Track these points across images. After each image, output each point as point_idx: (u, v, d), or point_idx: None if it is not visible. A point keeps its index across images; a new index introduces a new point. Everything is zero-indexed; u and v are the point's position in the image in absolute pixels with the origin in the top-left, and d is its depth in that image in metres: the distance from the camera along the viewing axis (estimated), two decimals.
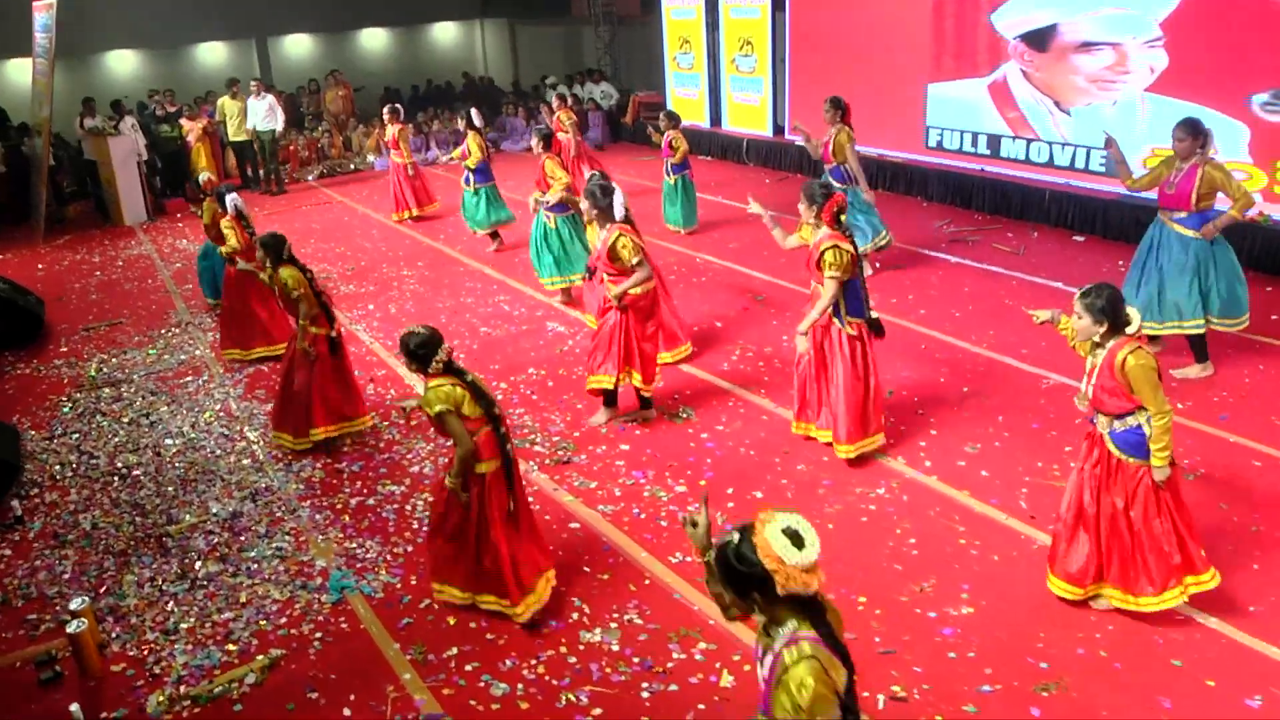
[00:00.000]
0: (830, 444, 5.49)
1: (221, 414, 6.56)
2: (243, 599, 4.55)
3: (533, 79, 19.53)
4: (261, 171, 13.17)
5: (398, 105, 11.33)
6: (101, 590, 4.69)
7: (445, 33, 22.46)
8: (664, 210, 10.41)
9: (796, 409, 5.67)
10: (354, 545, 4.94)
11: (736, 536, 2.39)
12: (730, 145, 14.37)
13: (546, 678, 3.96)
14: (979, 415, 5.93)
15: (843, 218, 5.25)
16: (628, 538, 4.89)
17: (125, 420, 6.56)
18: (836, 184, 8.16)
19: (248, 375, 7.19)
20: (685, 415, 6.14)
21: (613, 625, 4.25)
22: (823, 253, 5.12)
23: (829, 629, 2.40)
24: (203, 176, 8.25)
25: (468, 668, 4.03)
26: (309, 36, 20.08)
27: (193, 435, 6.26)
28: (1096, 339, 3.91)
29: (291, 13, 18.47)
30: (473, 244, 10.36)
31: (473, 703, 3.84)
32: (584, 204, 5.87)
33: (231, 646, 4.23)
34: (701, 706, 3.77)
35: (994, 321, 7.36)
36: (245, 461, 5.89)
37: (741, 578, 2.37)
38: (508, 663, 4.05)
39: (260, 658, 4.14)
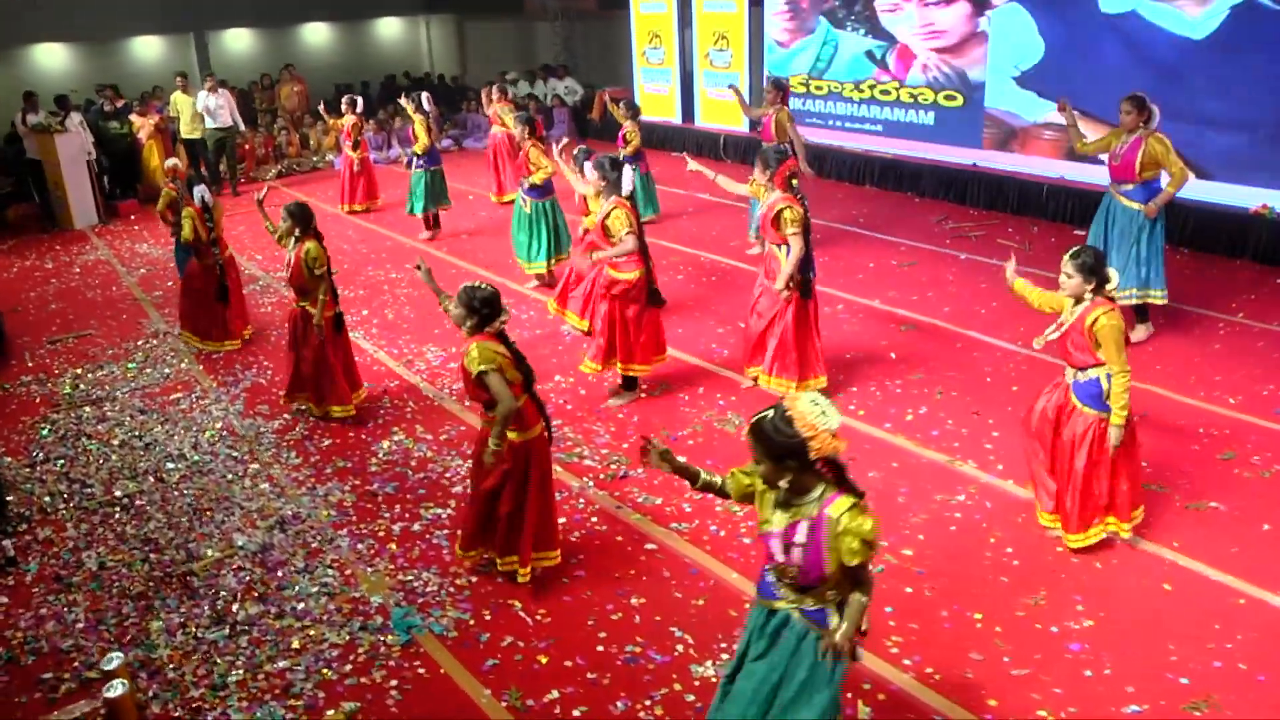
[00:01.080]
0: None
1: (224, 433, 5.96)
2: (295, 644, 4.03)
3: (482, 76, 18.91)
4: (224, 170, 12.34)
5: (355, 97, 10.78)
6: (126, 641, 4.12)
7: (390, 28, 21.69)
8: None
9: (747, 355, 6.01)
10: (409, 578, 4.45)
11: (772, 412, 2.67)
12: (706, 141, 14.07)
13: (666, 719, 3.58)
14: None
15: (794, 182, 5.67)
16: (713, 558, 4.52)
17: (116, 443, 5.90)
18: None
19: (245, 390, 6.58)
20: (737, 422, 5.80)
21: (724, 657, 3.88)
22: (778, 212, 5.52)
23: (854, 486, 2.74)
24: (170, 163, 7.70)
25: (575, 713, 3.61)
26: (249, 31, 19.09)
27: (196, 458, 5.65)
28: (1086, 297, 4.19)
29: (230, 6, 17.53)
30: (460, 246, 9.85)
31: None
32: (592, 174, 5.85)
33: (295, 701, 3.72)
34: None
35: (1023, 319, 7.20)
36: (263, 486, 5.32)
37: (780, 447, 2.64)
38: (619, 705, 3.64)
39: (332, 713, 3.65)
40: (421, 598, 4.30)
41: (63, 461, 5.71)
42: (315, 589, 4.39)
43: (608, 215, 5.69)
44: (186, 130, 12.10)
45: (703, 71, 14.23)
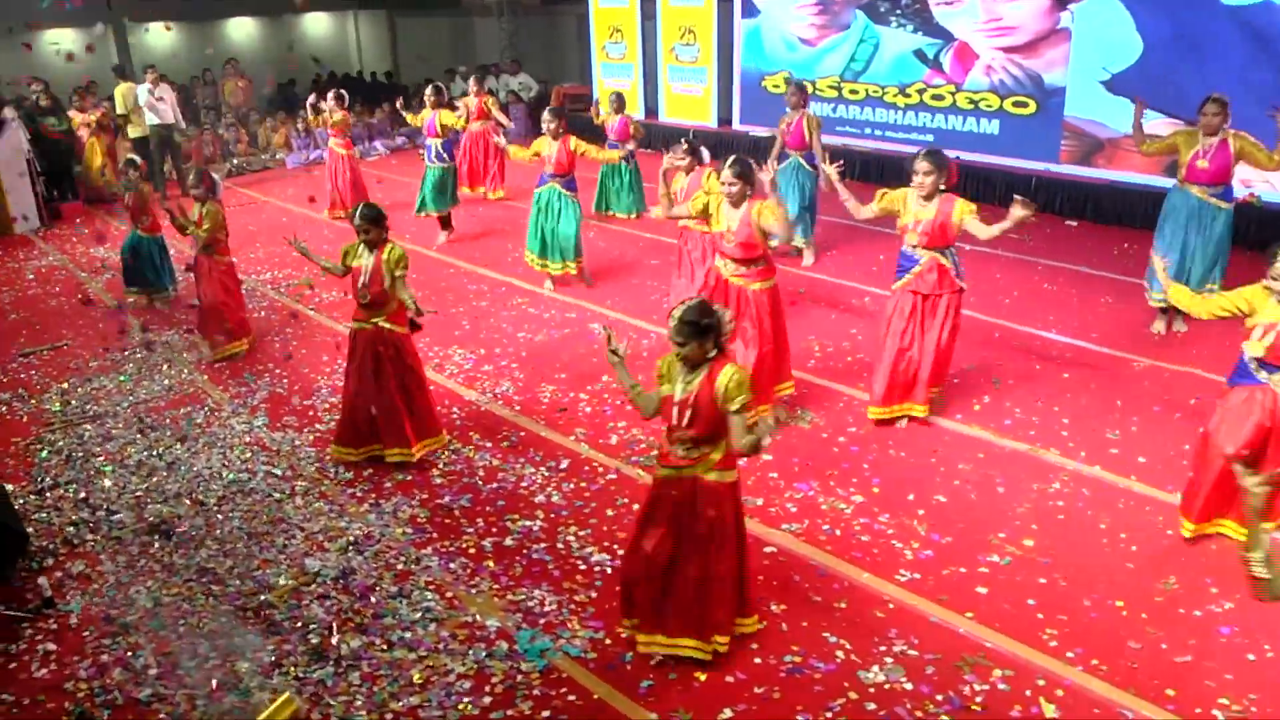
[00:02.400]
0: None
1: (256, 449, 5.42)
2: (416, 678, 3.62)
3: (415, 74, 18.24)
4: (168, 169, 11.47)
5: (342, 91, 10.11)
6: (213, 687, 3.63)
7: (317, 24, 20.79)
8: (606, 199, 9.86)
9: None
10: (519, 597, 4.08)
11: (694, 301, 3.40)
12: (671, 137, 13.83)
13: None
14: (1097, 402, 5.72)
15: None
16: (837, 559, 4.29)
17: (131, 463, 5.30)
18: (808, 166, 8.01)
19: (263, 401, 6.03)
20: (809, 418, 5.60)
21: (888, 660, 3.66)
22: (954, 210, 5.04)
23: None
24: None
25: None
26: (172, 24, 17.97)
27: (232, 477, 5.11)
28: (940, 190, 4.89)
29: None
30: (447, 245, 9.39)
31: None
32: (728, 174, 5.02)
33: None
34: None
35: (1051, 307, 7.25)
36: (319, 505, 4.84)
37: (706, 329, 3.30)
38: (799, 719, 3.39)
39: None
40: (542, 618, 3.93)
41: (75, 486, 5.09)
42: (417, 615, 3.96)
43: (760, 213, 5.00)
44: (133, 129, 11.21)
45: (668, 66, 14.04)
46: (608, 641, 3.80)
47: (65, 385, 6.34)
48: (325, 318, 7.48)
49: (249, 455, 5.35)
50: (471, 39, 19.19)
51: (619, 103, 9.80)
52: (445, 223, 9.46)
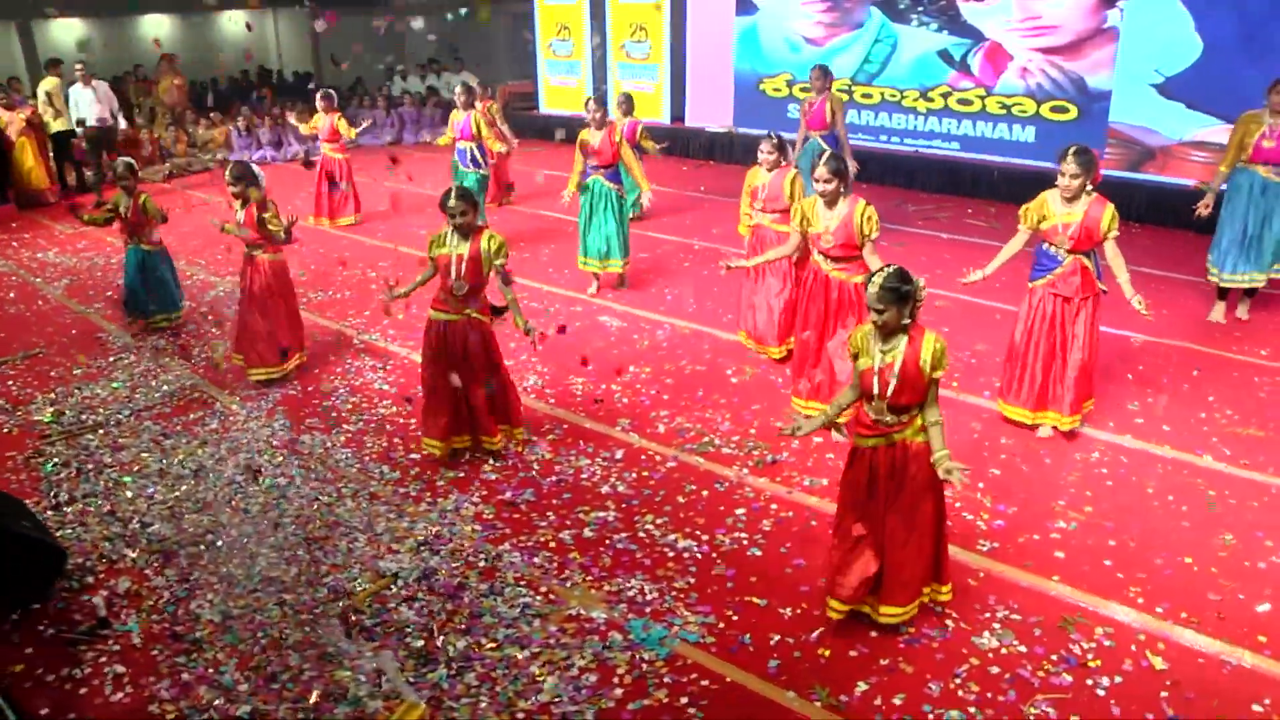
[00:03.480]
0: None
1: (284, 452, 5.14)
2: (536, 673, 3.50)
3: (339, 73, 17.69)
4: (91, 174, 10.77)
5: (330, 90, 9.67)
6: (313, 700, 3.41)
7: (236, 23, 19.96)
8: None
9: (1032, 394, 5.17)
10: (617, 588, 3.98)
11: (891, 267, 3.41)
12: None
13: (988, 694, 3.37)
14: (1134, 386, 5.83)
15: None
16: None
17: (150, 472, 4.95)
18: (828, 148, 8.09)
19: (276, 403, 5.73)
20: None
21: (995, 626, 3.71)
22: (1105, 212, 4.81)
23: None
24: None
25: (896, 700, 3.34)
26: (80, 21, 16.97)
27: (270, 482, 4.84)
28: (1087, 192, 4.72)
29: None
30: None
31: None
32: (823, 171, 4.90)
33: None
34: (1165, 694, 3.37)
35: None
36: (375, 506, 4.62)
37: (905, 295, 3.34)
38: (933, 688, 3.39)
39: None
40: (647, 607, 3.85)
41: (95, 499, 4.72)
42: (516, 611, 3.83)
43: (863, 214, 4.91)
44: (54, 123, 10.50)
45: (617, 63, 13.99)
46: (721, 625, 3.74)
47: (53, 395, 5.89)
48: (317, 316, 7.15)
49: (280, 459, 5.07)
50: (399, 37, 18.71)
51: (628, 104, 9.09)
52: None
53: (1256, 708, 3.32)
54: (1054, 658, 3.55)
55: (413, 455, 5.12)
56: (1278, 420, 5.34)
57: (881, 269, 3.43)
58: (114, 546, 4.35)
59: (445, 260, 4.70)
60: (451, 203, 4.60)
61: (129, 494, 4.78)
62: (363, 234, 9.63)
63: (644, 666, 3.52)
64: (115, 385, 6.01)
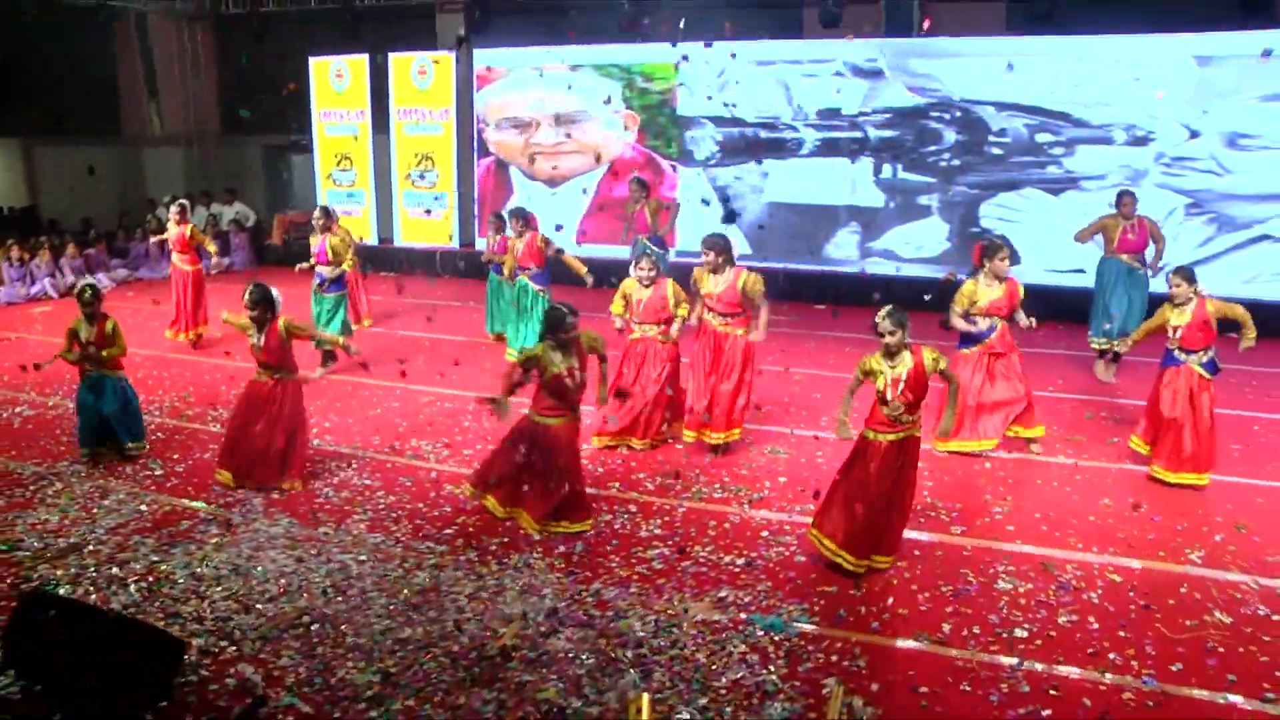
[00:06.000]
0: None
1: (307, 544, 5.15)
2: (705, 660, 4.08)
3: (62, 208, 16.38)
4: None
5: (184, 201, 9.26)
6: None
7: None
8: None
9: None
10: (715, 597, 4.66)
11: (890, 306, 4.76)
12: (417, 259, 14.19)
13: (1028, 615, 4.50)
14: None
15: None
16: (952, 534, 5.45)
17: (184, 577, 4.74)
18: (656, 250, 9.43)
19: (264, 504, 5.63)
20: (781, 453, 6.75)
21: (1005, 576, 4.90)
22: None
23: None
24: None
25: (974, 629, 4.38)
26: None
27: (326, 569, 4.86)
28: (1192, 296, 5.97)
29: None
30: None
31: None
32: (707, 256, 6.38)
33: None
34: (1131, 593, 4.70)
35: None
36: (448, 573, 4.85)
37: (904, 322, 4.71)
38: (992, 618, 4.46)
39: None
40: (751, 606, 4.58)
41: (138, 608, 4.45)
42: (650, 627, 4.36)
43: (744, 281, 6.31)
44: None
45: (404, 192, 14.56)
46: (817, 608, 4.57)
47: None
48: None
49: (314, 550, 5.09)
50: (140, 170, 17.66)
51: (324, 219, 8.71)
52: (330, 356, 8.54)
53: (1182, 589, 4.76)
54: (1053, 588, 4.78)
55: (446, 532, 5.38)
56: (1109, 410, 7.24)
57: (884, 309, 4.75)
58: (204, 642, 4.21)
59: (558, 375, 5.27)
60: (567, 320, 5.23)
61: (171, 598, 4.57)
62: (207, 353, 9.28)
63: (785, 645, 4.24)
64: (63, 508, 5.53)
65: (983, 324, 6.53)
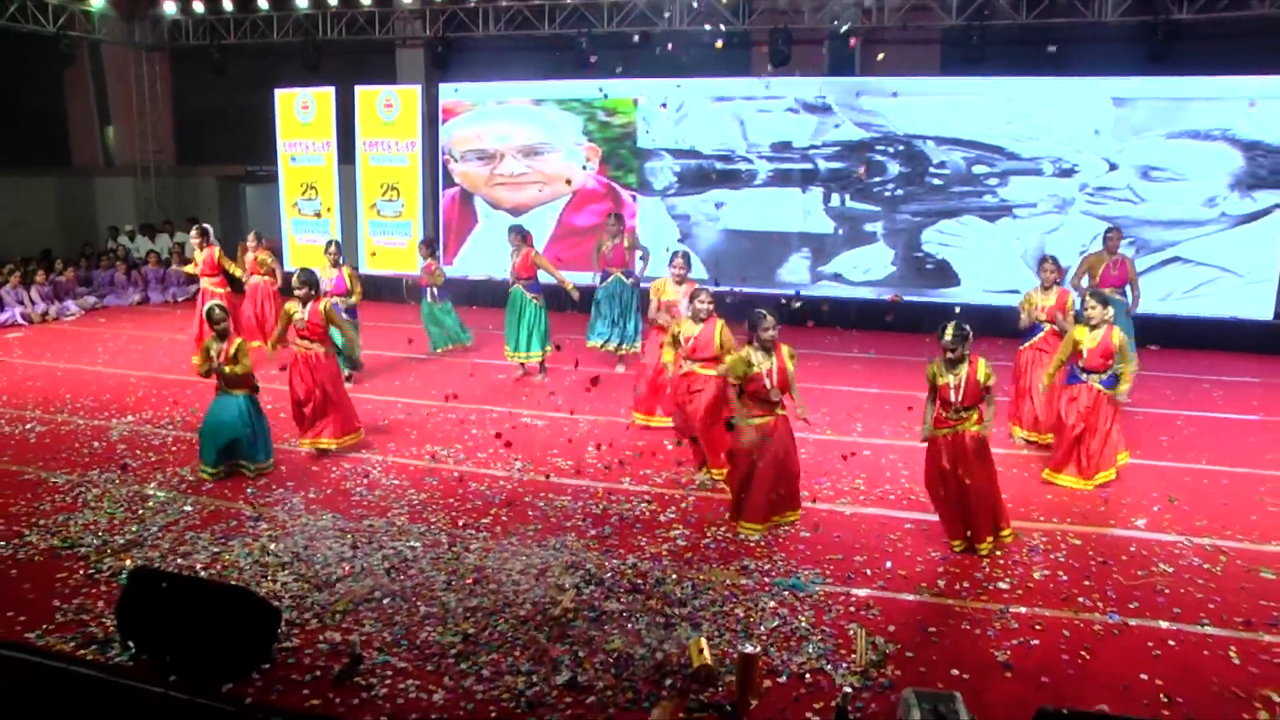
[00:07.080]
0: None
1: (357, 534, 5.57)
2: (742, 614, 4.67)
3: (15, 239, 16.17)
4: None
5: (205, 226, 9.63)
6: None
7: None
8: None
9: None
10: (739, 566, 5.25)
11: (954, 321, 5.39)
12: (385, 285, 14.53)
13: (1047, 570, 5.22)
14: None
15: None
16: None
17: (249, 564, 5.13)
18: (627, 281, 10.02)
19: (305, 500, 6.02)
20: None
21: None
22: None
23: None
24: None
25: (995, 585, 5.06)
26: None
27: (388, 553, 5.31)
28: (1106, 320, 6.38)
29: None
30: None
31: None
32: (689, 305, 6.84)
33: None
34: (1091, 553, 5.46)
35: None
36: (498, 555, 5.33)
37: (967, 335, 5.36)
38: (1037, 574, 5.16)
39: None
40: (773, 571, 5.19)
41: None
42: (689, 590, 4.93)
43: (720, 331, 6.53)
44: None
45: (369, 221, 14.92)
46: (828, 572, 5.20)
47: (41, 523, 5.57)
48: None
49: (365, 539, 5.51)
50: (90, 199, 17.53)
51: (336, 253, 9.71)
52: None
53: (1131, 549, 5.54)
54: (1025, 550, 5.52)
55: (482, 521, 5.85)
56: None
57: (949, 323, 5.38)
58: (289, 615, 4.61)
59: (759, 376, 5.64)
60: (766, 319, 5.68)
61: (243, 582, 4.95)
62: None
63: (809, 600, 4.86)
64: (108, 510, 5.82)
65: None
